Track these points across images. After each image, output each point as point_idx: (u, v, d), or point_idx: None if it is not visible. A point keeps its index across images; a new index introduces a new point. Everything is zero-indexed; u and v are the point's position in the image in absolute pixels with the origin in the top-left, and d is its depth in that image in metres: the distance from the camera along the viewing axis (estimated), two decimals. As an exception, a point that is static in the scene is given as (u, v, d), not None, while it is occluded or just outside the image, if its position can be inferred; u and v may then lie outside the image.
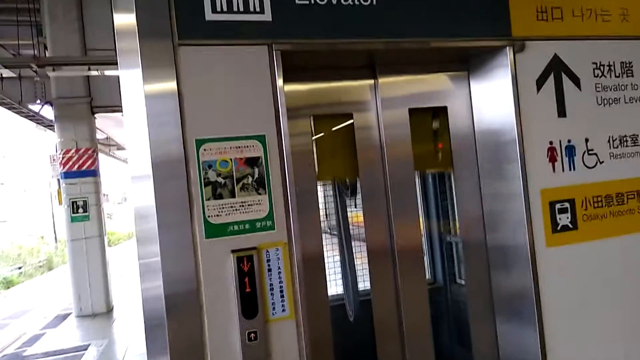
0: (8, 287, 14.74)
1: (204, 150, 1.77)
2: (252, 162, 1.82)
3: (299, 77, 2.12)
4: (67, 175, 8.83)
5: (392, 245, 2.23)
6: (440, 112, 2.38)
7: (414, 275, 2.25)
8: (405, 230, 2.24)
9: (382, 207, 2.24)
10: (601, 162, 2.31)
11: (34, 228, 25.84)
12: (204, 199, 1.76)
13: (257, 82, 1.84)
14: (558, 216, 2.21)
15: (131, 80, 1.78)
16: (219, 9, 1.79)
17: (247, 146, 1.82)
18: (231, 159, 1.80)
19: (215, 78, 1.79)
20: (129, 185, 1.87)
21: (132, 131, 1.80)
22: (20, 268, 17.41)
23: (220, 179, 1.79)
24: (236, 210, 1.80)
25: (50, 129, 10.45)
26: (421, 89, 2.33)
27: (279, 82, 1.84)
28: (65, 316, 9.25)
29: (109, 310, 9.16)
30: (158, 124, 1.71)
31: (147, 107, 1.70)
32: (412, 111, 2.28)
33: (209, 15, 1.78)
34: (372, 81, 2.27)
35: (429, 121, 2.44)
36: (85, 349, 6.96)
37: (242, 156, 1.81)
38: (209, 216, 1.76)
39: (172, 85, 1.73)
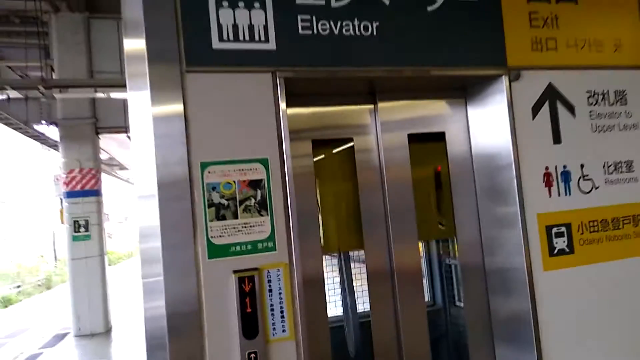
0: (6, 306, 14.66)
1: (209, 172, 1.82)
2: (255, 184, 1.87)
3: (301, 102, 2.19)
4: (70, 194, 8.90)
5: (392, 267, 2.27)
6: (439, 138, 2.44)
7: (413, 298, 2.28)
8: (404, 253, 2.28)
9: (381, 229, 2.28)
10: (596, 188, 2.36)
11: (34, 247, 25.78)
12: (208, 220, 1.80)
13: (261, 107, 1.90)
14: (555, 240, 2.25)
15: (139, 103, 1.84)
16: (225, 37, 1.86)
17: (251, 169, 1.87)
18: (235, 181, 1.85)
19: (220, 103, 1.85)
20: (133, 205, 1.92)
21: (138, 152, 1.86)
22: (19, 287, 17.33)
23: (223, 201, 1.83)
24: (239, 231, 1.84)
25: (54, 149, 10.54)
26: (420, 115, 2.39)
27: (282, 107, 1.91)
28: (63, 335, 9.19)
29: (108, 330, 9.11)
30: (164, 147, 1.77)
31: (154, 130, 1.76)
32: (411, 136, 2.34)
33: (216, 44, 1.85)
34: (372, 106, 2.33)
35: (428, 146, 2.50)
36: (83, 370, 6.92)
37: (246, 179, 1.86)
38: (212, 237, 1.80)
39: (179, 109, 1.79)
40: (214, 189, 1.82)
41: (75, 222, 8.84)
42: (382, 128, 2.30)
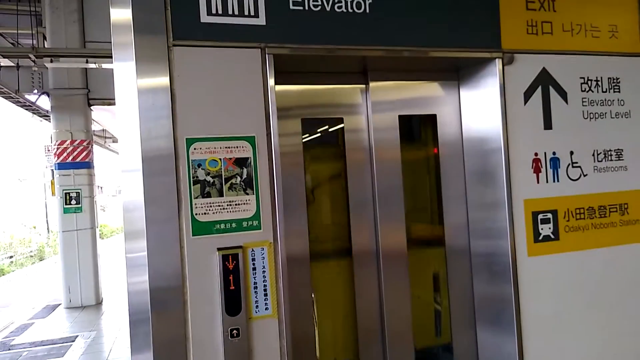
0: (-2, 276, 14.72)
1: (194, 149, 1.80)
2: (241, 162, 1.85)
3: (291, 79, 2.16)
4: (61, 166, 8.84)
5: (378, 247, 2.27)
6: (429, 120, 2.42)
7: (397, 279, 2.29)
8: (390, 233, 2.28)
9: (369, 210, 2.28)
10: (585, 175, 2.36)
11: (27, 218, 25.75)
12: (192, 196, 1.79)
13: (249, 84, 1.87)
14: (540, 226, 2.26)
15: (125, 74, 1.81)
16: (214, 11, 1.82)
17: (237, 147, 1.85)
18: (220, 159, 1.83)
19: (207, 78, 1.82)
20: (120, 178, 1.89)
21: (124, 124, 1.83)
22: (11, 257, 17.36)
23: (209, 178, 1.82)
24: (223, 209, 1.83)
25: (46, 120, 10.44)
26: (412, 96, 2.37)
27: (271, 84, 1.88)
28: (54, 307, 9.24)
29: (99, 302, 9.16)
30: (149, 120, 1.74)
31: (139, 103, 1.73)
32: (401, 118, 2.32)
33: (204, 17, 1.81)
34: (363, 86, 2.31)
35: (419, 128, 2.49)
36: (73, 340, 6.97)
37: (232, 156, 1.84)
38: (196, 214, 1.79)
39: (164, 82, 1.76)
40: (199, 165, 1.81)
41: (66, 194, 8.79)
42: (372, 109, 2.28)
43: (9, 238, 20.60)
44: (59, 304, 9.21)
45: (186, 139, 1.79)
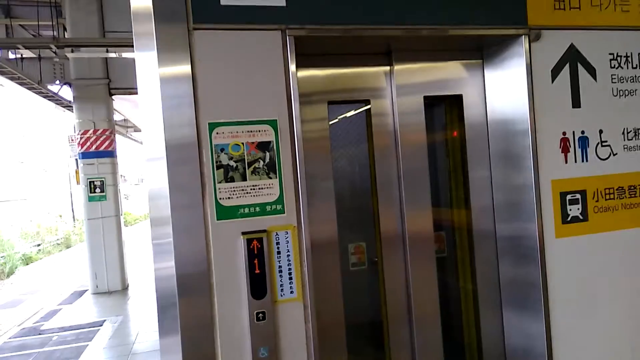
0: (27, 264, 15.11)
1: (217, 133, 1.80)
2: (263, 146, 1.85)
3: (314, 62, 2.14)
4: (84, 155, 8.99)
5: (404, 231, 2.26)
6: (455, 101, 2.37)
7: (424, 263, 2.28)
8: (416, 217, 2.26)
9: (394, 193, 2.26)
10: (614, 154, 2.29)
11: (53, 207, 26.33)
12: (216, 181, 1.80)
13: (270, 67, 1.85)
14: (568, 207, 2.21)
15: (146, 62, 1.81)
16: (234, -7, 1.80)
17: (259, 130, 1.84)
18: (243, 143, 1.83)
19: (228, 62, 1.81)
20: (144, 167, 1.91)
21: (146, 113, 1.84)
22: (39, 245, 17.80)
23: (232, 163, 1.82)
24: (247, 193, 1.83)
25: (69, 110, 10.59)
26: (436, 77, 2.32)
27: (292, 67, 1.86)
28: (81, 293, 9.48)
29: (125, 288, 9.36)
30: (172, 107, 1.75)
31: (161, 90, 1.73)
32: (426, 99, 2.29)
33: (224, 0, 1.79)
34: (387, 68, 2.27)
35: (444, 109, 2.45)
36: (101, 325, 7.15)
37: (254, 140, 1.84)
38: (220, 198, 1.80)
39: (186, 67, 1.76)
40: (222, 150, 1.81)
41: (90, 182, 8.96)
42: (397, 91, 2.24)
43: (36, 227, 21.09)
44: (86, 290, 9.44)
45: (208, 123, 1.79)
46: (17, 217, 21.88)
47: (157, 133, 1.75)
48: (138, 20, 1.86)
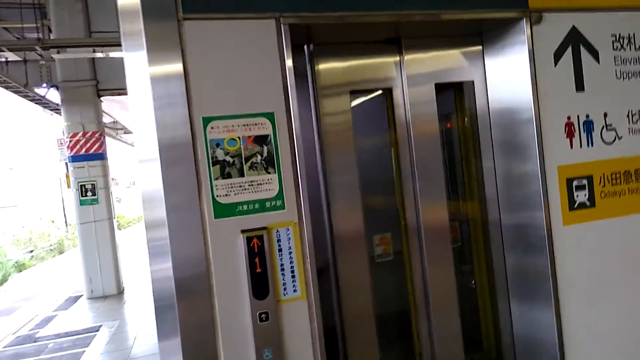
0: (20, 270, 14.94)
1: (211, 128, 1.72)
2: (260, 140, 1.77)
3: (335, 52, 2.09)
4: (74, 158, 8.86)
5: (419, 221, 2.20)
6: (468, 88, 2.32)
7: (439, 253, 2.22)
8: (429, 207, 2.20)
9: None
10: (620, 138, 2.24)
11: (45, 212, 26.06)
12: (212, 178, 1.72)
13: (265, 57, 1.78)
14: (575, 193, 2.16)
15: (136, 58, 1.73)
16: (224, -19, 1.72)
17: (256, 124, 1.77)
18: (239, 137, 1.75)
19: (221, 54, 1.73)
20: (136, 169, 1.83)
21: (137, 112, 1.76)
22: (31, 252, 17.61)
23: (228, 158, 1.74)
24: (245, 189, 1.76)
25: (56, 113, 10.45)
26: (446, 64, 2.25)
27: (287, 57, 1.79)
28: (76, 298, 9.36)
29: (120, 292, 9.25)
30: (163, 100, 1.66)
31: (151, 81, 1.65)
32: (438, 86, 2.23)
33: (215, -12, 1.71)
34: (397, 58, 2.19)
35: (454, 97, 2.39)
36: (97, 330, 7.05)
37: (251, 134, 1.76)
38: (217, 196, 1.72)
39: (176, 59, 1.67)
40: (217, 145, 1.73)
41: (81, 186, 8.83)
42: (408, 81, 2.17)
43: (28, 233, 20.87)
44: (81, 295, 9.32)
45: (202, 117, 1.71)
46: (9, 224, 21.63)
47: (149, 131, 1.67)
48: (125, 16, 1.78)
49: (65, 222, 24.37)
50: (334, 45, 2.10)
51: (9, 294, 11.28)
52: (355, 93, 2.19)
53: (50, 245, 19.35)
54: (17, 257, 16.00)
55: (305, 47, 1.99)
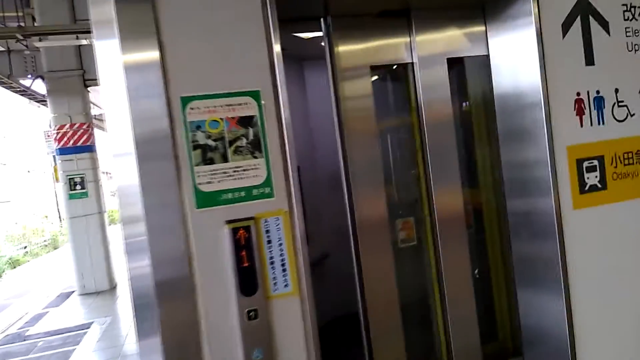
0: (14, 267, 14.78)
1: (191, 109, 1.56)
2: (245, 121, 1.61)
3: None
4: (62, 151, 8.63)
5: (431, 206, 2.12)
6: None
7: (453, 239, 2.15)
8: (443, 192, 2.13)
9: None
10: (632, 115, 2.10)
11: (38, 207, 25.78)
12: (193, 164, 1.56)
13: (249, 30, 1.61)
14: (586, 175, 2.01)
15: (107, 46, 1.56)
16: (201, -57, 1.55)
17: (240, 104, 1.61)
18: (222, 119, 1.59)
19: (200, 27, 1.57)
20: (111, 163, 1.66)
21: (109, 99, 1.60)
22: (25, 248, 17.41)
23: (210, 142, 1.58)
24: (230, 176, 1.60)
25: (43, 104, 10.21)
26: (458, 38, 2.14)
27: (274, 29, 1.62)
28: (68, 294, 9.20)
29: (112, 287, 9.10)
30: (137, 80, 1.51)
31: (123, 58, 1.50)
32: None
33: (190, -48, 1.54)
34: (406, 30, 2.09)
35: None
36: (88, 327, 6.89)
37: (235, 115, 1.60)
38: (199, 184, 1.57)
39: (151, 32, 1.51)
40: (198, 127, 1.57)
41: (70, 179, 8.61)
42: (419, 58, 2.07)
43: (21, 229, 20.63)
44: (73, 291, 9.16)
45: (181, 97, 1.55)
46: (2, 220, 21.37)
47: (121, 111, 1.52)
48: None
49: (59, 217, 24.12)
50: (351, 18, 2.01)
51: (2, 290, 11.11)
52: (375, 69, 2.11)
53: (45, 240, 19.15)
54: (11, 253, 15.81)
55: (322, 20, 1.98)
